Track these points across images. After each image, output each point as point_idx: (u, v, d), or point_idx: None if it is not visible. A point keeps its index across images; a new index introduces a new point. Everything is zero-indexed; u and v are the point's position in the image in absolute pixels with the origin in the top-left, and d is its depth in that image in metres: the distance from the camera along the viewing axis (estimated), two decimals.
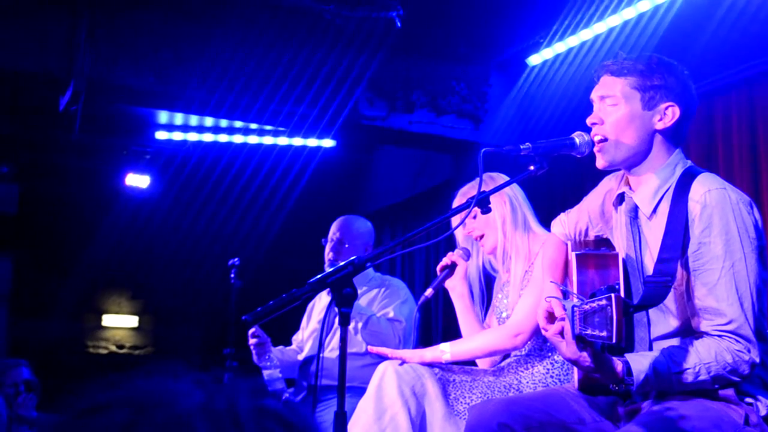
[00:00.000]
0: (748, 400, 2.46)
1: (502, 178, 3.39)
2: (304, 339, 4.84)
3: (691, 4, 4.89)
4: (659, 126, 2.55)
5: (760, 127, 4.70)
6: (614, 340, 2.07)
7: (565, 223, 2.96)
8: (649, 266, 2.51)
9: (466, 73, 6.51)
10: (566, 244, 2.92)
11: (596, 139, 2.58)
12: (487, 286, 3.67)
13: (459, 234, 3.55)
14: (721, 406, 2.43)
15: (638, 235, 2.59)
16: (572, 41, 5.73)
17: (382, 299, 4.60)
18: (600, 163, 2.60)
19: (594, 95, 2.61)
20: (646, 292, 2.38)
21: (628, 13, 5.25)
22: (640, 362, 2.33)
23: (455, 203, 3.51)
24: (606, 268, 2.55)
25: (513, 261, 3.42)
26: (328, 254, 4.70)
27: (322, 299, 4.77)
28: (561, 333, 2.31)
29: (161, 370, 0.97)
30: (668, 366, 2.33)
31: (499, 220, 3.43)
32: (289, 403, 0.99)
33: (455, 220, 3.10)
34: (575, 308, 2.25)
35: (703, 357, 2.34)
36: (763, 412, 2.47)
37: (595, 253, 2.63)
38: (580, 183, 5.67)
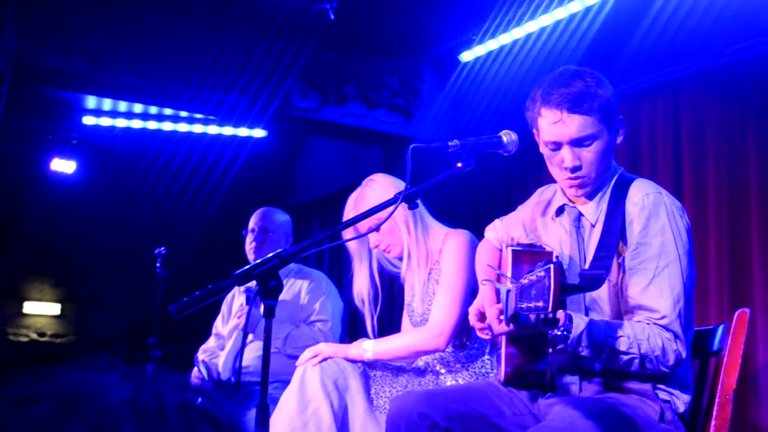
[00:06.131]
0: (663, 396, 2.53)
1: (391, 179, 3.51)
2: (225, 335, 4.75)
3: (622, 6, 4.97)
4: (618, 141, 2.63)
5: (684, 129, 4.80)
6: (549, 309, 2.06)
7: (499, 229, 3.02)
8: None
9: (399, 67, 6.52)
10: (500, 250, 2.97)
11: (579, 181, 2.59)
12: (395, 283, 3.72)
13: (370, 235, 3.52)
14: (636, 402, 2.51)
15: (582, 242, 2.65)
16: (504, 39, 5.78)
17: (305, 295, 4.55)
18: (577, 194, 2.63)
19: (562, 138, 2.53)
20: (582, 282, 2.42)
21: (560, 14, 5.32)
22: (580, 317, 2.40)
23: (346, 215, 3.50)
24: (541, 261, 2.57)
25: (415, 260, 3.45)
26: (250, 244, 4.64)
27: (240, 295, 4.62)
28: (498, 316, 2.42)
29: (89, 363, 0.97)
30: (605, 330, 2.40)
31: (403, 225, 3.45)
32: (214, 399, 0.99)
33: (383, 215, 3.11)
34: (510, 290, 2.31)
35: (638, 333, 2.41)
36: (681, 409, 2.54)
37: (530, 249, 2.67)
38: (507, 186, 5.75)
